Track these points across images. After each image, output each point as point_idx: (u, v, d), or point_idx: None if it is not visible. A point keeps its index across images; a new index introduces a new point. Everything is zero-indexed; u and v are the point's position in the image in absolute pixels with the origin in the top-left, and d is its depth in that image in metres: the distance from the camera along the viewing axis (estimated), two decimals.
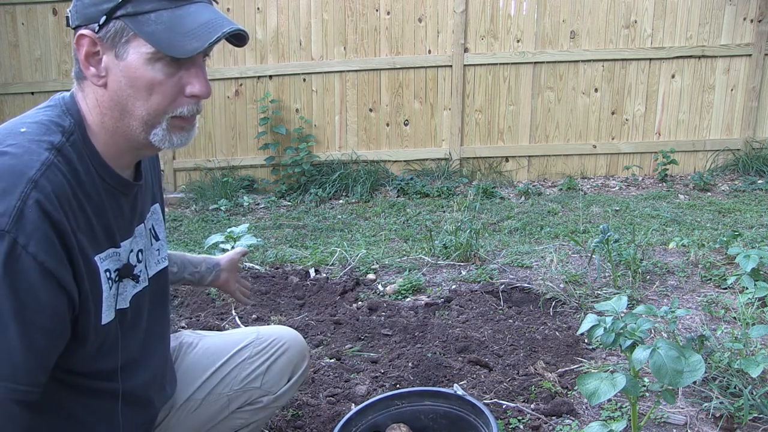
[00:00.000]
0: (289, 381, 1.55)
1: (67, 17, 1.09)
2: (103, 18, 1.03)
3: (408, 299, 2.96)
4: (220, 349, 1.52)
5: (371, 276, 3.29)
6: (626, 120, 5.44)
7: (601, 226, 2.98)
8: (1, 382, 0.94)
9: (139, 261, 1.24)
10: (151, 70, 1.04)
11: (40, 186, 0.97)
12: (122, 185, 1.16)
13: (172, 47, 1.02)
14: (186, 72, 1.08)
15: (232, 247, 3.40)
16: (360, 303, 2.94)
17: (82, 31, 1.05)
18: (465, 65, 5.36)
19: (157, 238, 1.33)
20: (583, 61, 5.34)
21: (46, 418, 1.10)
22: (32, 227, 0.95)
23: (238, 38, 1.10)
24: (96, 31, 1.04)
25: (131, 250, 1.21)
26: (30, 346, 0.96)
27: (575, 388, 2.10)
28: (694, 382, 1.96)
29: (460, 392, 1.62)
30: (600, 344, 2.15)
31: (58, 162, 1.02)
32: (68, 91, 1.15)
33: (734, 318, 2.55)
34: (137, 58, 1.04)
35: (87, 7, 1.05)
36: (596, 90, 5.39)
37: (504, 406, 2.00)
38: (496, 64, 5.37)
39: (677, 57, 5.29)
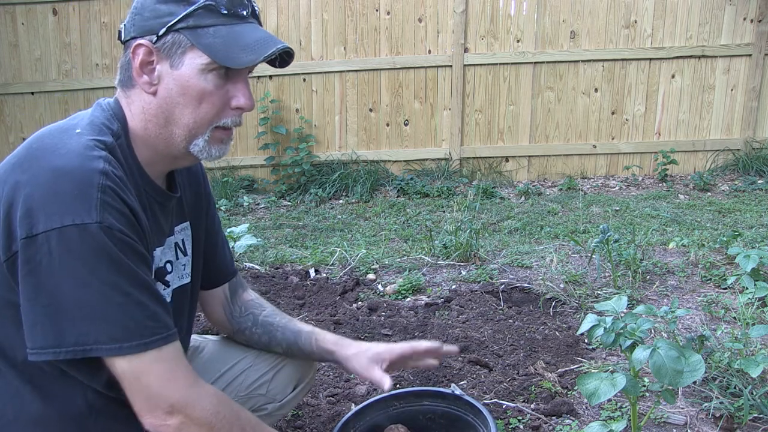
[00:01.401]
0: (294, 389, 1.54)
1: (120, 31, 1.15)
2: (164, 30, 1.09)
3: (408, 299, 2.96)
4: (225, 355, 1.52)
5: (371, 276, 3.29)
6: (626, 120, 5.44)
7: (601, 226, 2.97)
8: (165, 331, 1.07)
9: (168, 272, 1.27)
10: (203, 81, 1.11)
11: (111, 177, 1.04)
12: (158, 193, 1.21)
13: (228, 59, 1.10)
14: (233, 85, 1.15)
15: (232, 248, 3.39)
16: (360, 303, 2.93)
17: (140, 41, 1.11)
18: (465, 65, 5.36)
19: (185, 254, 1.35)
20: (583, 61, 5.33)
21: (80, 420, 1.12)
22: (117, 213, 1.03)
23: (287, 55, 1.18)
24: (154, 41, 1.10)
25: (161, 259, 1.24)
26: (159, 296, 1.10)
27: (575, 388, 2.10)
28: (694, 382, 1.96)
29: (458, 392, 1.62)
30: (600, 344, 2.15)
31: (112, 160, 1.08)
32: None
33: (734, 318, 2.54)
34: (191, 68, 1.11)
35: (147, 20, 1.11)
36: (596, 90, 5.39)
37: (504, 406, 2.00)
38: (496, 64, 5.37)
39: (677, 57, 5.29)
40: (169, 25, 1.09)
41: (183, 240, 1.34)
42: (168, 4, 1.10)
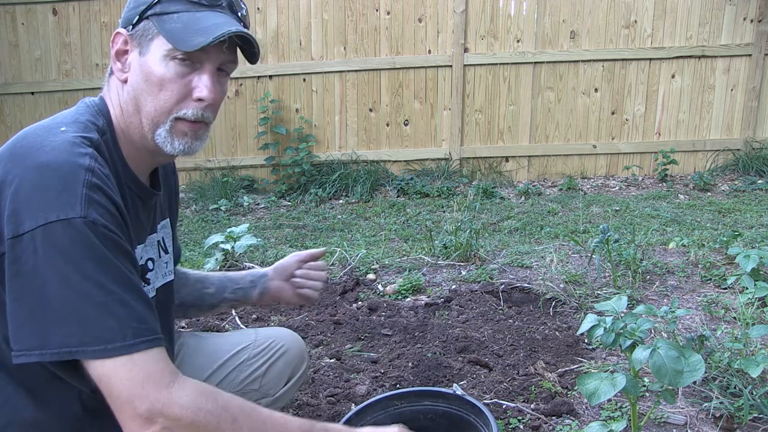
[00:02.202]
0: (287, 383, 1.55)
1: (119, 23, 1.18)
2: (137, 18, 1.12)
3: (408, 299, 2.96)
4: (218, 351, 1.52)
5: (371, 276, 3.29)
6: (626, 120, 5.44)
7: (601, 226, 2.97)
8: (151, 334, 1.01)
9: (150, 269, 1.26)
10: (164, 68, 1.11)
11: (97, 174, 1.03)
12: (141, 190, 1.20)
13: (181, 42, 1.09)
14: (197, 76, 1.13)
15: (232, 248, 3.39)
16: (360, 303, 2.94)
17: (120, 30, 1.14)
18: (465, 65, 5.36)
19: (166, 251, 1.34)
20: (583, 61, 5.33)
21: (75, 422, 1.11)
22: (102, 209, 1.01)
23: (247, 44, 1.16)
24: (129, 30, 1.13)
25: (141, 257, 1.23)
26: (148, 301, 1.05)
27: (575, 388, 2.10)
28: (694, 382, 1.96)
29: (459, 392, 1.61)
30: (600, 344, 2.15)
31: (98, 157, 1.08)
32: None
33: (734, 318, 2.55)
34: (155, 55, 1.11)
35: (129, 11, 1.14)
36: (596, 90, 5.39)
37: (504, 406, 2.00)
38: (496, 64, 5.37)
39: (677, 57, 5.29)
40: (140, 12, 1.11)
41: (163, 238, 1.34)
42: None
